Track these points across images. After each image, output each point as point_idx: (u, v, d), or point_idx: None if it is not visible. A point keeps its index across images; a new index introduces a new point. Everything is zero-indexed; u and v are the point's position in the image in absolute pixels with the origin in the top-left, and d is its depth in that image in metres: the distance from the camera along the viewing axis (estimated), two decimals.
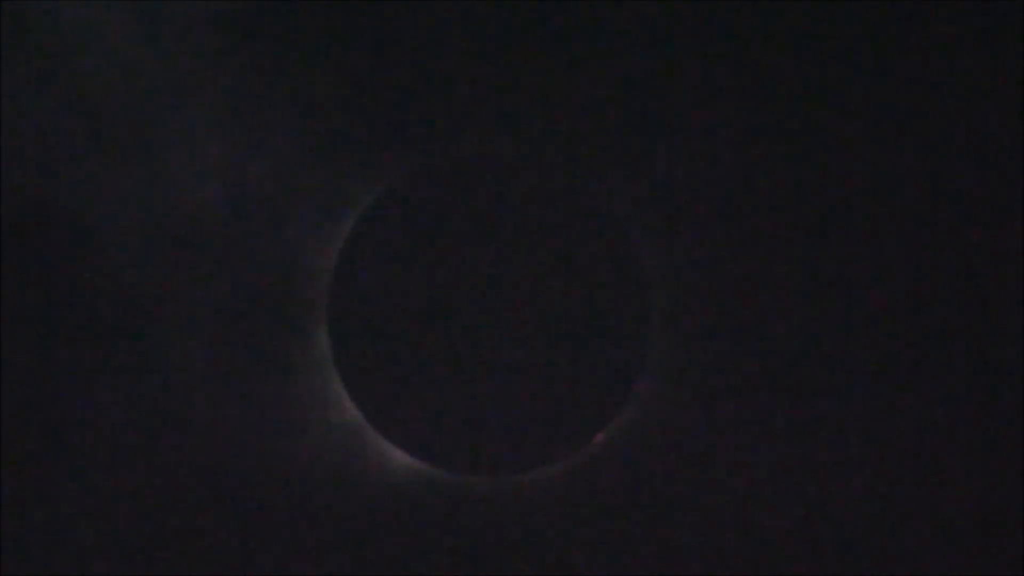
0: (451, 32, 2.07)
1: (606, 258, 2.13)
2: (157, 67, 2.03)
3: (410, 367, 2.10)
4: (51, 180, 2.03)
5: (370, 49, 2.06)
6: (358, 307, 2.12)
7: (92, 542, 2.03)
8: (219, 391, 2.06)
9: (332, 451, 2.09)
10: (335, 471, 2.08)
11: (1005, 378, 2.05)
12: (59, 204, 2.03)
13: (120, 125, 2.04)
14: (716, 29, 2.06)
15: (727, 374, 2.09)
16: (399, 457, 2.11)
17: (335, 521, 2.06)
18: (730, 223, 2.09)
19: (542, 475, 2.11)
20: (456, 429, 2.11)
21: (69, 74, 2.02)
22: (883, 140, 2.07)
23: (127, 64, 2.03)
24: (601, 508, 2.08)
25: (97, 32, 2.02)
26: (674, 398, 2.10)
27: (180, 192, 2.05)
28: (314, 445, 2.08)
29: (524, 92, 2.08)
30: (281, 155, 2.07)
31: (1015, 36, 2.06)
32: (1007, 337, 2.06)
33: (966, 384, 2.07)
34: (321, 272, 2.12)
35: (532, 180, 2.14)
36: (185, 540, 2.03)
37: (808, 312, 2.08)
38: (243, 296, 2.08)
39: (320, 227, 2.11)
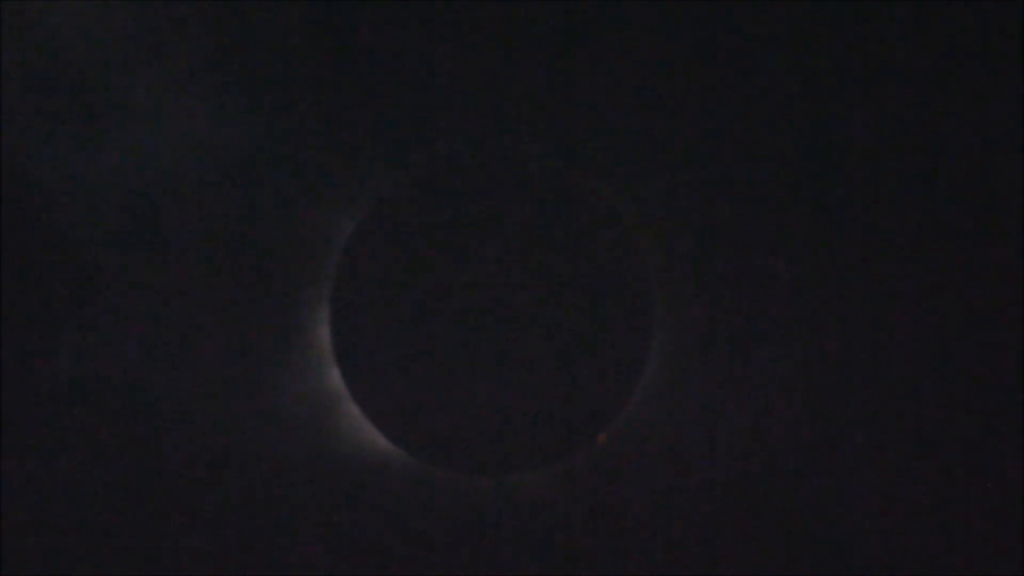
0: (457, 32, 2.08)
1: (608, 257, 2.13)
2: (154, 59, 2.05)
3: (412, 367, 2.11)
4: (43, 170, 2.04)
5: (378, 48, 2.07)
6: (360, 305, 2.13)
7: (59, 519, 2.04)
8: (216, 389, 2.07)
9: (331, 449, 2.10)
10: (333, 469, 2.09)
11: (1007, 376, 2.05)
12: (51, 198, 2.04)
13: (114, 116, 2.05)
14: (719, 28, 2.07)
15: (731, 374, 2.09)
16: (399, 456, 2.12)
17: (331, 521, 2.07)
18: (734, 223, 2.09)
19: (544, 475, 2.11)
20: (456, 428, 2.11)
21: (68, 82, 2.03)
22: (887, 140, 2.07)
23: (122, 56, 2.04)
24: (603, 509, 2.09)
25: (92, 22, 2.04)
26: (677, 398, 2.11)
27: (179, 187, 2.07)
28: (313, 443, 2.09)
29: (528, 93, 2.09)
30: (286, 150, 2.08)
31: (1015, 36, 2.06)
32: (1008, 334, 2.06)
33: (973, 386, 2.07)
34: (324, 271, 2.13)
35: (536, 180, 2.14)
36: (160, 524, 2.04)
37: (814, 312, 2.08)
38: (243, 292, 2.09)
39: (326, 223, 2.12)
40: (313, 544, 2.06)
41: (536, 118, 2.11)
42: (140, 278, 2.06)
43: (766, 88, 2.07)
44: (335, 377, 2.12)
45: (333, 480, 2.08)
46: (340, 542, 2.07)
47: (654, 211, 2.12)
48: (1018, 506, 2.05)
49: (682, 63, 2.07)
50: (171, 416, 2.05)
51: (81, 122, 2.04)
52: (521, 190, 2.14)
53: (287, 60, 2.06)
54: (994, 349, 2.06)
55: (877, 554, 2.05)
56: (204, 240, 2.07)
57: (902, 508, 2.05)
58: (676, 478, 2.08)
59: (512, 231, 2.13)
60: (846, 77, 2.06)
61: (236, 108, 2.06)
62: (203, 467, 2.05)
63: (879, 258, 2.07)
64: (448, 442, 2.11)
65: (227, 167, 2.06)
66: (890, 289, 2.06)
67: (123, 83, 2.04)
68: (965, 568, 2.05)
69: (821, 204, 2.07)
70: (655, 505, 2.07)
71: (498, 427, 2.11)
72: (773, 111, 2.07)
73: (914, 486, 2.05)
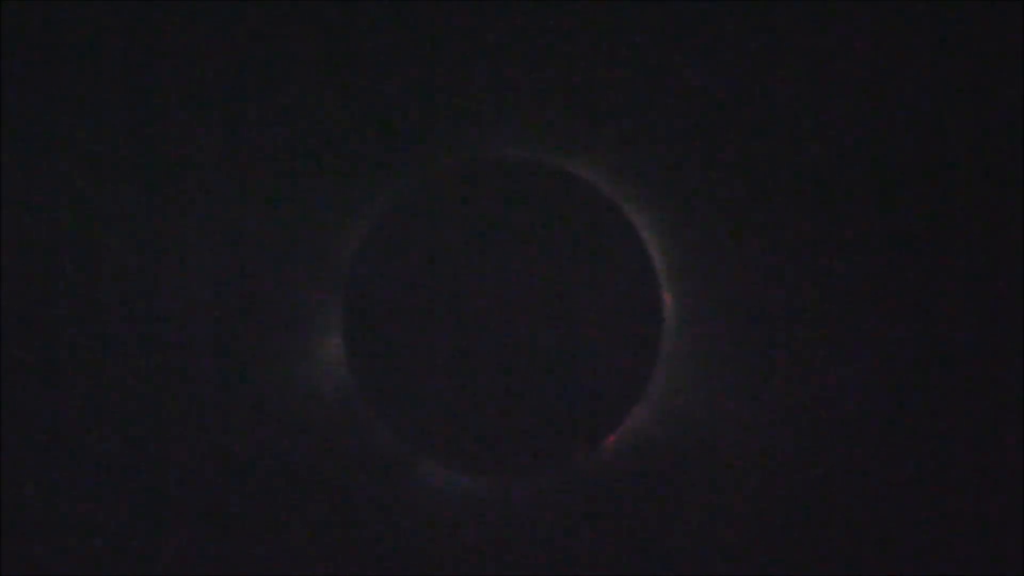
0: (466, 34, 2.07)
1: (617, 260, 2.13)
2: (158, 61, 2.04)
3: (422, 369, 2.11)
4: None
5: (387, 50, 2.07)
6: (372, 307, 2.13)
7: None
8: (226, 394, 2.07)
9: (340, 451, 2.10)
10: (342, 471, 2.09)
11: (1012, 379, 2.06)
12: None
13: (114, 121, 2.05)
14: (729, 29, 2.07)
15: (741, 375, 2.09)
16: (406, 458, 2.12)
17: (337, 521, 2.07)
18: (742, 221, 2.10)
19: (552, 477, 2.11)
20: (465, 430, 2.11)
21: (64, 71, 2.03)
22: (890, 137, 2.07)
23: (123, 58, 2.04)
24: (612, 511, 2.09)
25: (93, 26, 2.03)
26: (687, 400, 2.11)
27: (185, 191, 2.06)
28: (322, 445, 2.09)
29: (537, 96, 2.09)
30: (294, 153, 2.08)
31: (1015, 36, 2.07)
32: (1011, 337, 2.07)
33: (977, 387, 2.07)
34: (335, 273, 2.13)
35: (543, 183, 2.14)
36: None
37: (822, 312, 2.08)
38: (253, 298, 2.09)
39: (336, 228, 2.12)
40: (319, 545, 2.06)
41: (539, 120, 2.10)
42: (145, 283, 2.05)
43: (770, 83, 2.07)
44: (346, 381, 2.12)
45: (342, 481, 2.07)
46: (347, 542, 2.06)
47: (666, 210, 2.12)
48: (1018, 506, 2.05)
49: (687, 61, 2.07)
50: (178, 423, 2.04)
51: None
52: (529, 193, 2.14)
53: (296, 65, 2.05)
54: (1000, 348, 2.06)
55: (882, 554, 2.06)
56: (211, 244, 2.06)
57: (909, 506, 2.06)
58: (683, 480, 2.08)
59: (520, 235, 2.13)
60: (849, 74, 2.07)
61: (243, 112, 2.06)
62: (211, 471, 2.04)
63: (887, 254, 2.07)
64: (456, 443, 2.11)
65: (234, 172, 2.06)
66: (897, 285, 2.07)
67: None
68: (965, 568, 2.06)
69: (834, 204, 2.07)
70: (662, 507, 2.08)
71: (507, 429, 2.11)
72: (777, 106, 2.07)
73: (920, 483, 2.06)
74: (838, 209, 2.07)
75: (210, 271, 2.06)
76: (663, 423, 2.11)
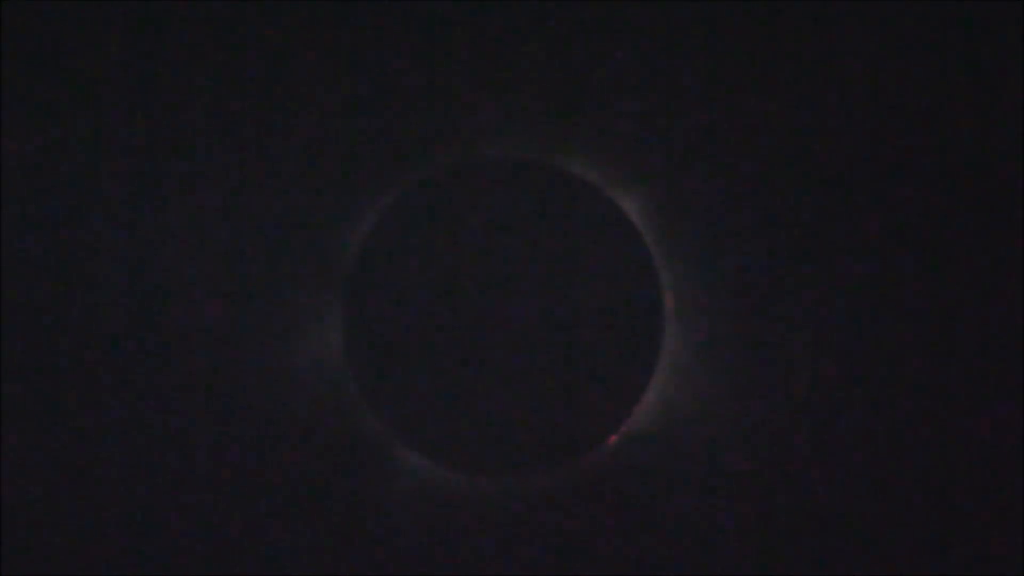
0: (466, 35, 2.08)
1: (617, 257, 2.13)
2: (160, 61, 2.04)
3: (423, 368, 2.11)
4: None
5: (387, 50, 2.07)
6: (372, 306, 2.13)
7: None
8: (226, 388, 2.06)
9: (341, 451, 2.10)
10: (344, 471, 2.09)
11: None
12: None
13: (115, 119, 2.05)
14: (727, 28, 2.07)
15: (741, 375, 2.09)
16: (406, 457, 2.12)
17: (338, 521, 2.07)
18: (743, 222, 2.10)
19: (553, 477, 2.11)
20: (465, 430, 2.11)
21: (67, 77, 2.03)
22: (892, 138, 2.08)
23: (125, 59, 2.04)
24: (612, 511, 2.09)
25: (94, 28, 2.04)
26: (687, 400, 2.11)
27: (187, 190, 2.07)
28: (322, 443, 2.09)
29: (537, 96, 2.09)
30: (295, 153, 2.09)
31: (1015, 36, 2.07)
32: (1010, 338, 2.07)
33: (978, 386, 2.07)
34: (336, 273, 2.13)
35: (544, 183, 2.15)
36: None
37: (823, 311, 2.08)
38: (254, 294, 2.09)
39: (339, 225, 2.12)
40: (319, 544, 2.06)
41: (539, 120, 2.11)
42: (146, 280, 2.05)
43: (771, 84, 2.07)
44: (346, 380, 2.12)
45: (341, 479, 2.07)
46: (347, 542, 2.06)
47: (666, 211, 2.12)
48: (1018, 506, 2.05)
49: (687, 60, 2.07)
50: (177, 419, 2.04)
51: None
52: (529, 193, 2.14)
53: (297, 65, 2.06)
54: (997, 346, 2.06)
55: (882, 554, 2.06)
56: (211, 243, 2.07)
57: (909, 505, 2.06)
58: (683, 480, 2.08)
59: (520, 235, 2.13)
60: (851, 74, 2.07)
61: (243, 112, 2.06)
62: (211, 469, 2.04)
63: (888, 252, 2.07)
64: (456, 443, 2.11)
65: (235, 172, 2.06)
66: (899, 283, 2.07)
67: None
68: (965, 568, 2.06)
69: (836, 206, 2.08)
70: (662, 507, 2.07)
71: (507, 428, 2.11)
72: (779, 106, 2.08)
73: (921, 482, 2.06)
74: (838, 210, 2.07)
75: (211, 270, 2.06)
76: (663, 423, 2.11)
